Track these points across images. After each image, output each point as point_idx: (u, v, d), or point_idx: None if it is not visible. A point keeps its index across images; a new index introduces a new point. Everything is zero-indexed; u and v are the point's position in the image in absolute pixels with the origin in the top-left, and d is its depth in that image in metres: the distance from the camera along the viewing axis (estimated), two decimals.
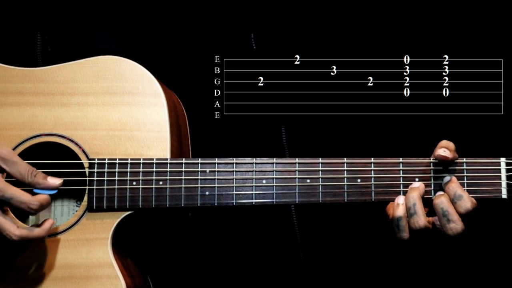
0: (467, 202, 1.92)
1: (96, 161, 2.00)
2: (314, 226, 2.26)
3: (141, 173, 1.99)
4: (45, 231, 1.91)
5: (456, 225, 1.91)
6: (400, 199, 1.96)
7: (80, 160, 2.01)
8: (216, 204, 1.98)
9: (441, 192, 1.96)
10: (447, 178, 1.96)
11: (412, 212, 1.93)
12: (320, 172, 1.98)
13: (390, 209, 2.11)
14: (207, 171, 1.99)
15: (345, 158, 1.98)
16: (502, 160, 1.97)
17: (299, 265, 2.25)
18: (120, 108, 2.03)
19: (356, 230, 2.35)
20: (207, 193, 1.99)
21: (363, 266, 2.40)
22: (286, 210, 2.23)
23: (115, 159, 2.00)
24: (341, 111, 2.31)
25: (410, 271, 2.48)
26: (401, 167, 1.97)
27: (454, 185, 1.94)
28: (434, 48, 2.44)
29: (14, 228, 1.87)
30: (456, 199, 1.92)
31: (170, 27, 2.23)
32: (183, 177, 1.99)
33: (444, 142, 1.96)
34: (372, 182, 1.97)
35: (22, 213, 1.93)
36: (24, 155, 2.01)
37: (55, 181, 1.93)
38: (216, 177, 1.99)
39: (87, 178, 2.00)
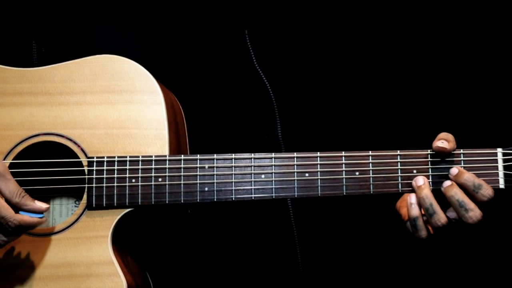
0: (488, 189, 1.93)
1: (95, 159, 2.00)
2: (311, 221, 2.27)
3: (140, 170, 2.00)
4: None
5: (475, 212, 1.92)
6: (412, 198, 1.96)
7: (79, 158, 2.01)
8: (215, 199, 1.99)
9: (449, 183, 1.95)
10: (454, 170, 1.95)
11: (431, 212, 1.93)
12: (318, 165, 1.99)
13: (402, 208, 2.10)
14: (206, 167, 2.00)
15: (343, 152, 1.99)
16: (499, 150, 1.98)
17: (297, 261, 2.25)
18: (118, 107, 2.03)
19: (353, 224, 2.35)
20: (206, 189, 1.99)
21: (361, 261, 2.41)
22: (283, 205, 2.24)
23: (114, 157, 2.00)
24: (337, 105, 2.32)
25: (412, 266, 2.49)
26: (399, 159, 1.98)
27: (468, 176, 1.93)
28: (432, 44, 2.46)
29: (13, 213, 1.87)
30: (477, 188, 1.92)
31: (166, 26, 2.24)
32: (182, 174, 1.99)
33: (443, 134, 1.97)
34: (371, 175, 1.98)
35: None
36: (23, 155, 2.02)
37: (42, 205, 1.92)
38: (215, 172, 2.00)
39: (86, 177, 2.00)
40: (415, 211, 1.95)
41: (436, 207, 1.93)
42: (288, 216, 2.23)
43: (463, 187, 1.94)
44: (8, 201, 1.90)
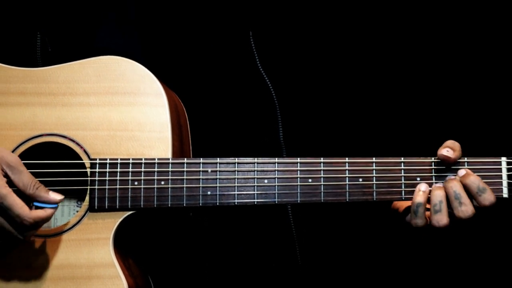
0: (491, 195, 1.93)
1: (97, 161, 2.00)
2: (310, 224, 2.27)
3: (142, 173, 1.99)
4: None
5: (467, 207, 1.92)
6: (422, 186, 1.96)
7: (82, 160, 2.01)
8: (218, 204, 1.99)
9: (452, 176, 1.96)
10: (462, 171, 1.95)
11: (438, 209, 1.94)
12: (321, 171, 1.98)
13: (397, 204, 2.11)
14: (209, 170, 2.00)
15: (347, 158, 1.99)
16: (503, 159, 1.98)
17: (297, 263, 2.25)
18: (121, 108, 2.03)
19: (352, 226, 2.35)
20: (209, 192, 1.99)
21: (360, 262, 2.41)
22: (282, 209, 2.23)
23: (117, 159, 2.00)
24: (340, 109, 2.32)
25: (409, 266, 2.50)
26: (402, 167, 1.98)
27: (475, 178, 1.94)
28: (438, 50, 2.45)
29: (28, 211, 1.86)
30: (481, 191, 1.93)
31: (169, 27, 2.23)
32: (184, 177, 1.99)
33: (449, 142, 1.97)
34: (374, 182, 1.98)
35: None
36: (25, 155, 2.02)
37: (56, 196, 1.91)
38: (218, 176, 1.99)
39: (89, 178, 2.00)
40: (420, 197, 1.95)
41: (444, 208, 1.93)
42: (288, 219, 2.23)
43: (466, 188, 1.94)
44: (22, 193, 1.90)
